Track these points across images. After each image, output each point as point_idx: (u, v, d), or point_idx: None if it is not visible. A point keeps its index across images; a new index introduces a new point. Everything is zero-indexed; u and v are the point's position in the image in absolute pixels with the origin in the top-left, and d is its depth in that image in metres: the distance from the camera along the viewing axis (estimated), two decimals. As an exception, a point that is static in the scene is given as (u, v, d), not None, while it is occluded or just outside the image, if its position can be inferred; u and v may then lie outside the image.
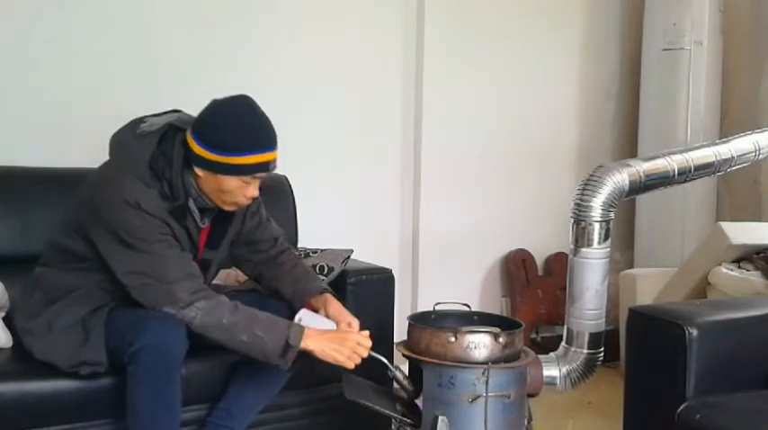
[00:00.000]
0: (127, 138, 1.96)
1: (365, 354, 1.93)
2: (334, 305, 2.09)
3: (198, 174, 1.92)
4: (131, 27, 2.80)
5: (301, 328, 1.91)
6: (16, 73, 2.63)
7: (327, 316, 2.05)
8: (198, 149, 1.88)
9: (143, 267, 1.88)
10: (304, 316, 2.01)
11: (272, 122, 1.95)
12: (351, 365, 1.92)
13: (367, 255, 2.63)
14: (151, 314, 1.86)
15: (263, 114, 1.93)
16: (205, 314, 1.87)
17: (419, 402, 1.95)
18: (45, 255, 2.07)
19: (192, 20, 2.91)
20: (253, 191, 1.94)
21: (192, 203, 1.96)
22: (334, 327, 2.00)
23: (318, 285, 2.18)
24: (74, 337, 1.92)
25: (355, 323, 2.03)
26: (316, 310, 2.08)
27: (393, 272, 2.53)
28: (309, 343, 1.89)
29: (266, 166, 1.92)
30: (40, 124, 2.64)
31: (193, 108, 1.96)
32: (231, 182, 1.90)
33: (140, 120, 1.98)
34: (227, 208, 1.99)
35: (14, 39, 2.61)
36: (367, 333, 1.98)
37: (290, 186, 2.79)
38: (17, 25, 2.62)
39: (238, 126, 1.89)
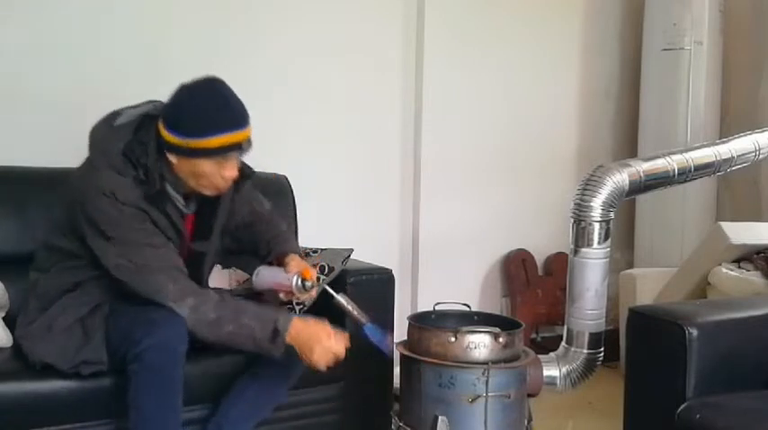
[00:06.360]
0: (102, 133, 1.96)
1: (340, 356, 1.92)
2: (295, 260, 2.11)
3: (171, 160, 1.90)
4: (132, 27, 2.80)
5: (289, 317, 1.91)
6: (16, 73, 2.63)
7: (288, 271, 2.06)
8: (167, 135, 1.88)
9: (125, 258, 1.87)
10: (262, 269, 2.09)
11: (245, 101, 1.91)
12: (321, 366, 1.90)
13: (367, 255, 2.63)
14: (156, 312, 1.85)
15: (230, 94, 1.90)
16: (193, 311, 1.86)
17: (368, 329, 1.96)
18: (36, 259, 2.07)
19: (194, 20, 2.91)
20: (230, 171, 1.93)
21: (170, 189, 1.94)
22: (291, 278, 2.01)
23: (284, 247, 2.18)
24: (73, 338, 1.92)
25: (312, 272, 2.05)
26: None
27: (393, 272, 2.52)
28: (293, 332, 1.88)
29: (238, 146, 1.89)
30: (39, 124, 2.63)
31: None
32: (204, 164, 1.89)
33: (117, 112, 1.98)
34: (207, 192, 1.97)
35: (15, 39, 2.61)
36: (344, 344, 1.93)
37: (290, 186, 2.79)
38: (17, 25, 2.62)
39: (203, 108, 1.86)
